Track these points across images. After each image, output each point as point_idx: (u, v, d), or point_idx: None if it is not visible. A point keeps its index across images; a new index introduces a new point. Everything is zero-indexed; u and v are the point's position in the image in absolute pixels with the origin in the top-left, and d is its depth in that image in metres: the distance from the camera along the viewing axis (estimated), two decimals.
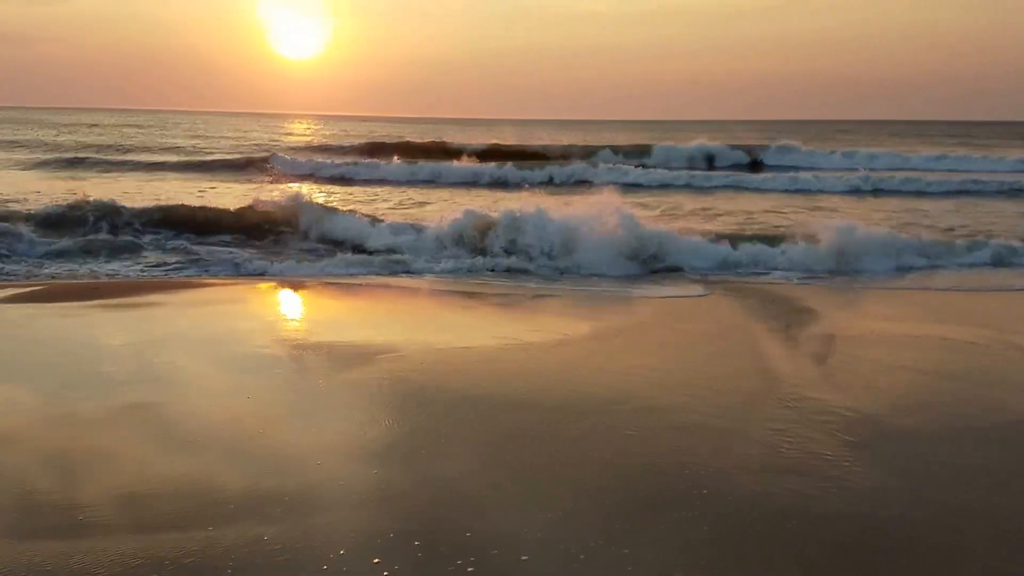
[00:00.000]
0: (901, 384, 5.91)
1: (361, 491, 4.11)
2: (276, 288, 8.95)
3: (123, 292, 8.35)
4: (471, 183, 24.00)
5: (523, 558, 3.52)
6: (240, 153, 32.91)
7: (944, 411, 5.46)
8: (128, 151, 34.60)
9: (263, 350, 6.46)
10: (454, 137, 49.00)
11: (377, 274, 9.98)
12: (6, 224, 11.65)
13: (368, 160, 27.58)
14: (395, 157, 27.08)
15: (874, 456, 4.63)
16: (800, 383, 5.82)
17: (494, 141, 38.69)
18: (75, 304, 7.81)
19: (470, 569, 3.42)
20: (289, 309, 8.41)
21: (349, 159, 28.94)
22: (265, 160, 27.54)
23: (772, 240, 12.02)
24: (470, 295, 8.94)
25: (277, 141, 46.63)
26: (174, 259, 10.81)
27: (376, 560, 3.48)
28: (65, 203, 13.62)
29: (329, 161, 27.92)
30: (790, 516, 3.92)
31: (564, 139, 47.79)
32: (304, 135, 56.64)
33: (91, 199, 13.72)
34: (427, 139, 44.96)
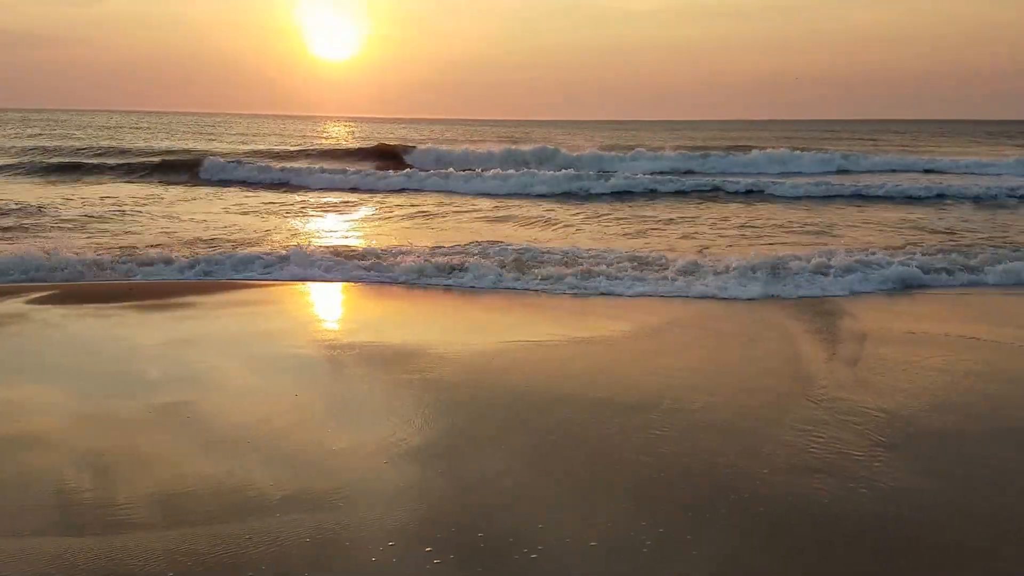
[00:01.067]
0: (932, 385, 5.84)
1: (397, 489, 4.16)
2: (308, 289, 9.01)
3: (156, 294, 8.47)
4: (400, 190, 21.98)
5: (553, 555, 3.55)
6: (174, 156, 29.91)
7: (975, 412, 5.39)
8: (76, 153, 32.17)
9: (298, 350, 6.53)
10: (480, 139, 49.18)
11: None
12: None
13: (305, 166, 25.68)
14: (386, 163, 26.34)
15: (905, 457, 4.60)
16: (830, 384, 5.79)
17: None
18: (109, 305, 7.95)
19: (501, 567, 3.45)
20: (321, 309, 8.49)
21: (295, 164, 26.60)
22: (198, 163, 25.05)
23: None
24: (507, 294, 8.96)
25: (251, 142, 45.70)
26: None
27: (407, 554, 3.53)
28: None
29: (263, 164, 25.34)
30: (820, 517, 3.91)
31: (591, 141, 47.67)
32: (301, 137, 54.87)
33: None
34: (454, 140, 45.29)
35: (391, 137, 56.52)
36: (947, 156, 33.87)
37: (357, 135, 62.04)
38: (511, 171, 23.48)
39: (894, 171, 27.45)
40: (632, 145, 36.74)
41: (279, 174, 23.54)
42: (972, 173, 26.99)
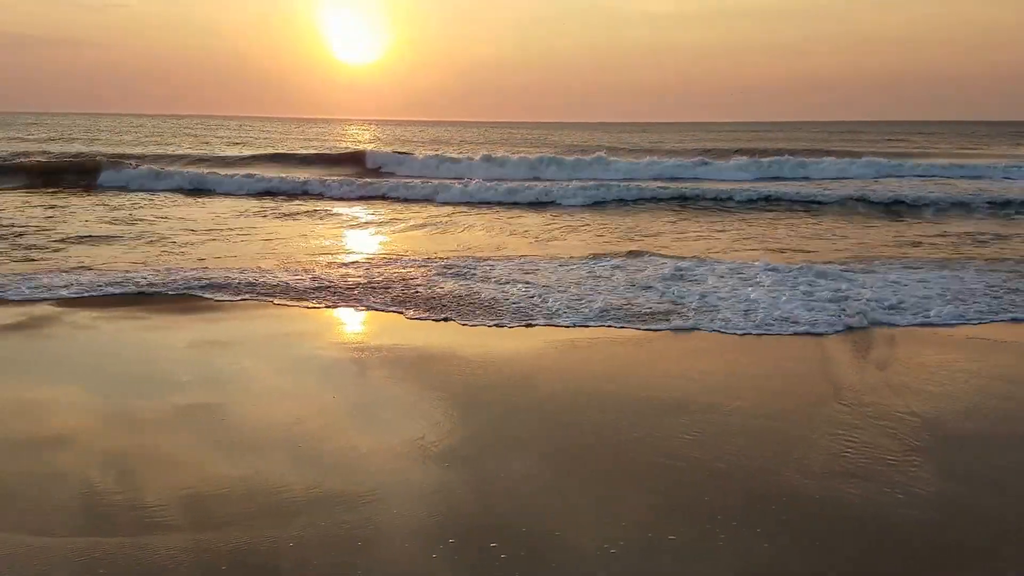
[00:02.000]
0: (963, 388, 5.79)
1: (423, 491, 4.17)
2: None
3: (182, 297, 8.52)
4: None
5: (579, 557, 3.54)
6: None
7: (1010, 416, 5.34)
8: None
9: (323, 352, 6.55)
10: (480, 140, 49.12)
11: None
12: None
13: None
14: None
15: (939, 462, 4.56)
16: (861, 387, 5.75)
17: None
18: (138, 307, 8.01)
19: (526, 567, 3.46)
20: (345, 312, 8.49)
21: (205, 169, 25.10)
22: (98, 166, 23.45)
23: None
24: None
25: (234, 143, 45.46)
26: None
27: (435, 556, 3.54)
28: None
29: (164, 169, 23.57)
30: (853, 522, 3.89)
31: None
32: (291, 139, 54.27)
33: None
34: (469, 142, 45.00)
35: (397, 139, 56.71)
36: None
37: (351, 138, 61.74)
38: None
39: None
40: (649, 147, 36.59)
41: (176, 180, 22.23)
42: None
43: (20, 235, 12.75)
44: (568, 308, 7.93)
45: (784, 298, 8.25)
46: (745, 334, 7.14)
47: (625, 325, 7.39)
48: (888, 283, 9.05)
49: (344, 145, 45.48)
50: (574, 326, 7.37)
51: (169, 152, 33.80)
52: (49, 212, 15.88)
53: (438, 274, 9.56)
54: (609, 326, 7.37)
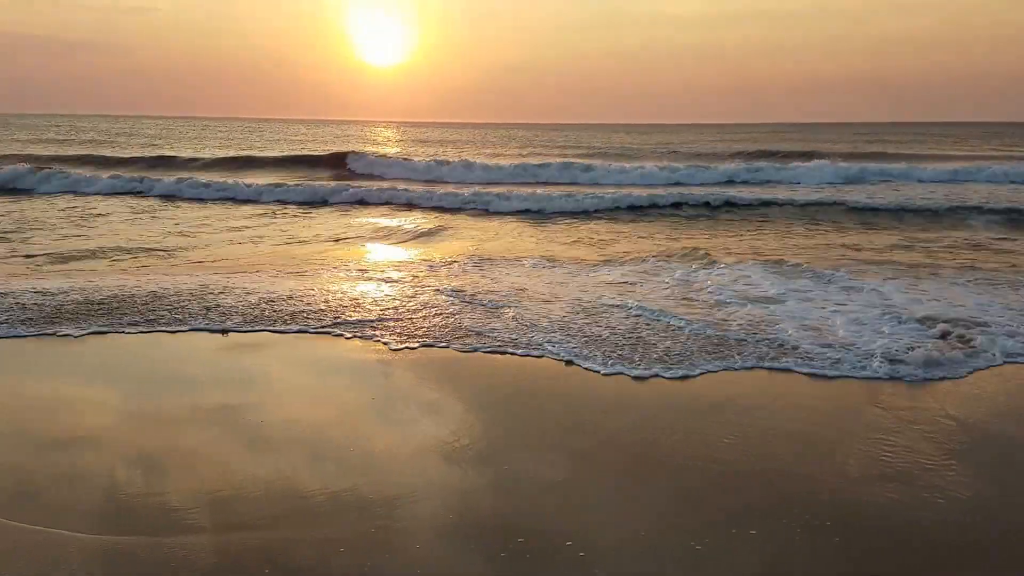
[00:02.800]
0: (998, 391, 5.67)
1: (446, 490, 4.13)
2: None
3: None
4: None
5: (608, 560, 3.49)
6: None
7: None
8: None
9: (347, 353, 6.51)
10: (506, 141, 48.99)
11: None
12: None
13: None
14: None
15: (977, 466, 4.46)
16: (897, 391, 5.65)
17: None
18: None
19: (552, 569, 3.41)
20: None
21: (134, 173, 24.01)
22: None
23: None
24: None
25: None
26: None
27: (458, 558, 3.50)
28: None
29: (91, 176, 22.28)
30: (890, 526, 3.81)
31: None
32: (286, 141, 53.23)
33: None
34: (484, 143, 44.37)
35: (413, 140, 56.59)
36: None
37: (357, 138, 61.52)
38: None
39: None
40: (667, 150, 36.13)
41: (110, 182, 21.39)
42: None
43: None
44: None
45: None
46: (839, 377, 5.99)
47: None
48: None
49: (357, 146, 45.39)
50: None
51: (118, 154, 32.74)
52: None
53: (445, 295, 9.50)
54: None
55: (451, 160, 27.39)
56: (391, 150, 43.19)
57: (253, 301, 8.00)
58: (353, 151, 29.98)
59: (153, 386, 5.70)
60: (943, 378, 5.91)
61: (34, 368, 6.10)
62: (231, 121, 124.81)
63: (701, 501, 4.06)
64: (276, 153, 35.17)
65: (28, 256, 10.92)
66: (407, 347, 6.60)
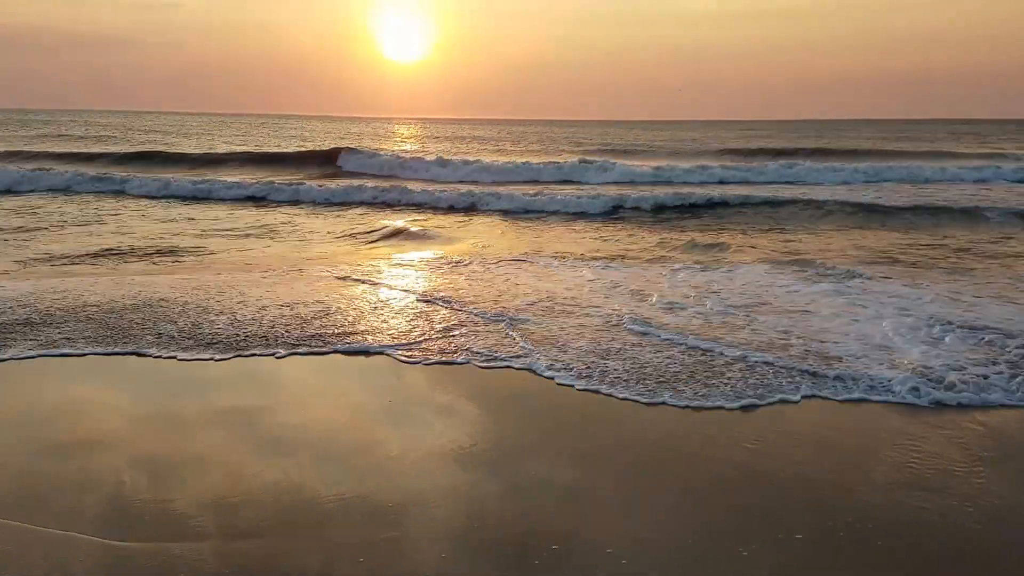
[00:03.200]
0: None
1: (453, 494, 4.06)
2: (371, 293, 8.91)
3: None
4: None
5: (619, 561, 3.40)
6: None
7: None
8: None
9: (360, 358, 6.39)
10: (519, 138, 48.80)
11: None
12: None
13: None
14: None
15: (1007, 473, 4.33)
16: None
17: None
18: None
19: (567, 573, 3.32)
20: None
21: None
22: None
23: None
24: None
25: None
26: None
27: (464, 562, 3.43)
28: None
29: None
30: (917, 533, 3.70)
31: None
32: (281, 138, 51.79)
33: None
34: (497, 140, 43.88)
35: (431, 138, 56.46)
36: None
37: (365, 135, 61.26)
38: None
39: None
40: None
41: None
42: None
43: None
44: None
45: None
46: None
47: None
48: None
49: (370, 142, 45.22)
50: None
51: (86, 150, 32.76)
52: None
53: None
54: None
55: (449, 158, 26.98)
56: (408, 146, 43.18)
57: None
58: (348, 147, 29.44)
59: (159, 390, 5.63)
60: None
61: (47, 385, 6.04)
62: (252, 117, 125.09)
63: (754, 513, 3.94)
64: (271, 149, 35.05)
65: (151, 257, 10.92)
66: (404, 359, 6.48)
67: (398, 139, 54.45)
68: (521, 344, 6.51)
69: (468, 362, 6.12)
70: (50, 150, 32.09)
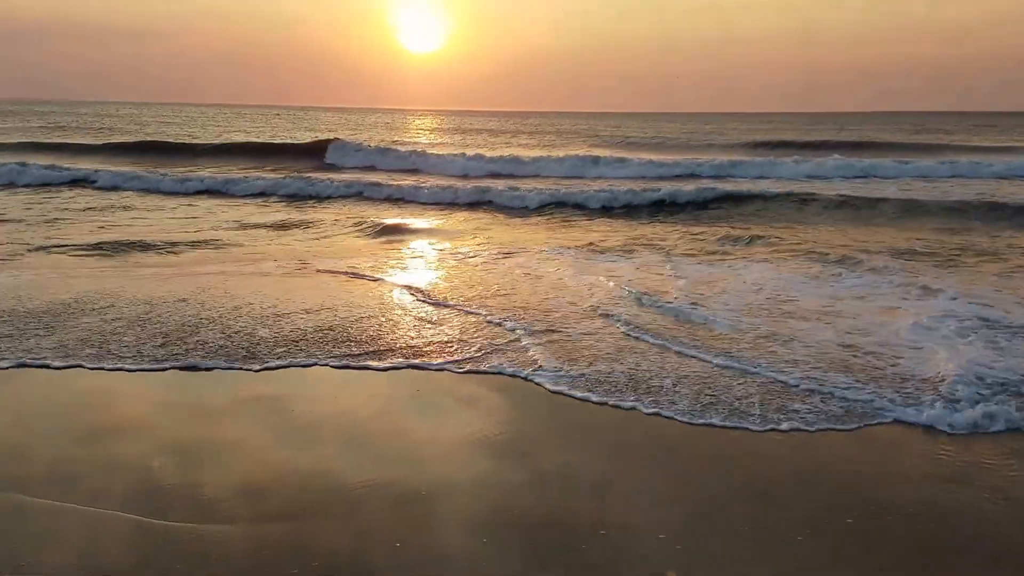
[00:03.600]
0: None
1: (478, 482, 4.06)
2: (395, 286, 8.89)
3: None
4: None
5: (640, 550, 3.39)
6: None
7: None
8: None
9: (385, 347, 6.40)
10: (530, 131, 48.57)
11: None
12: None
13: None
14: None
15: None
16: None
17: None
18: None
19: (583, 560, 3.33)
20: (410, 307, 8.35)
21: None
22: None
23: None
24: None
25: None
26: None
27: (490, 549, 3.44)
28: None
29: None
30: (951, 526, 3.68)
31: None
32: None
33: None
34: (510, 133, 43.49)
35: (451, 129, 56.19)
36: None
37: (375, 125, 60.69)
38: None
39: None
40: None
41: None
42: None
43: None
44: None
45: None
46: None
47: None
48: None
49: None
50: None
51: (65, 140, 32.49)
52: None
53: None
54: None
55: (440, 152, 26.57)
56: (424, 139, 43.10)
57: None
58: (337, 139, 28.58)
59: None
60: None
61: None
62: (267, 108, 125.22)
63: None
64: (257, 140, 34.38)
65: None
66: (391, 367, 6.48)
67: (412, 131, 54.22)
68: (543, 358, 5.97)
69: (498, 372, 5.72)
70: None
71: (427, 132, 52.89)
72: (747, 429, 4.72)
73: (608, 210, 15.72)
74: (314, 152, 26.69)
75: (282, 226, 13.08)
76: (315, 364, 5.80)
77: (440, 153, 26.68)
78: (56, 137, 34.65)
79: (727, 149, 32.49)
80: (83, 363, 5.72)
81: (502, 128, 60.13)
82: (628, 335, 6.52)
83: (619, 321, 6.90)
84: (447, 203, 16.81)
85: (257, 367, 5.70)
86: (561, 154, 26.48)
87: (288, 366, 5.75)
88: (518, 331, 6.64)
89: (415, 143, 36.29)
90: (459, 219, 14.56)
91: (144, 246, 10.66)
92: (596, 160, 24.12)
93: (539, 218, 14.77)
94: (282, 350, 6.06)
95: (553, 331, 6.61)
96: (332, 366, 5.77)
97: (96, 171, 20.14)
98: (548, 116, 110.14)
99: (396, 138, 42.09)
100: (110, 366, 5.68)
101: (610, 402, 5.12)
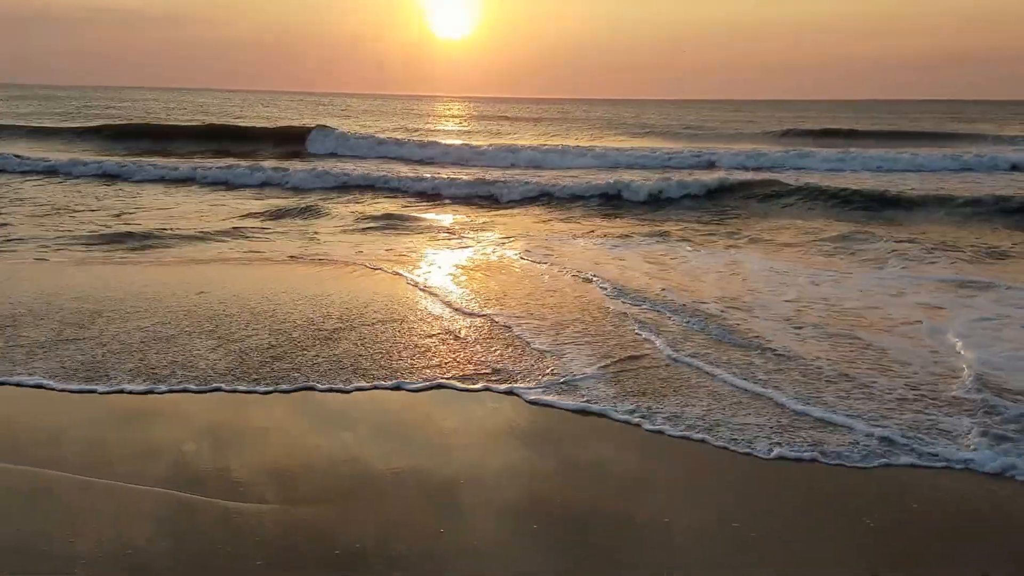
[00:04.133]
0: None
1: (509, 470, 4.08)
2: (429, 268, 8.90)
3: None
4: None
5: (665, 540, 3.40)
6: None
7: None
8: None
9: (415, 328, 6.44)
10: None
11: None
12: None
13: None
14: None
15: None
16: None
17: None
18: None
19: (613, 548, 3.35)
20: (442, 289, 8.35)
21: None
22: None
23: None
24: None
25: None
26: None
27: (520, 537, 3.46)
28: None
29: None
30: (990, 524, 3.65)
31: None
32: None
33: None
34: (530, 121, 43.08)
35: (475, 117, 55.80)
36: None
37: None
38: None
39: None
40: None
41: None
42: None
43: None
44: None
45: None
46: None
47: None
48: None
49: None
50: None
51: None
52: None
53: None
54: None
55: (432, 141, 26.28)
56: (448, 126, 42.87)
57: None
58: (320, 125, 28.15)
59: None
60: None
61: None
62: (290, 95, 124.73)
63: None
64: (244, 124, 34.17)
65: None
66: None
67: (438, 120, 53.98)
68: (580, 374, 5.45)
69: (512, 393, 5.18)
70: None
71: (462, 120, 52.70)
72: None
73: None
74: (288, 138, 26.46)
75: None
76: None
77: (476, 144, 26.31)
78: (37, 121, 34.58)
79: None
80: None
81: (556, 116, 58.95)
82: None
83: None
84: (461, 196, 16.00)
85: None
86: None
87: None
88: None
89: (441, 131, 36.08)
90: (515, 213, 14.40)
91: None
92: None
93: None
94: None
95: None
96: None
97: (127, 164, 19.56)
98: (594, 104, 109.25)
99: (413, 125, 42.04)
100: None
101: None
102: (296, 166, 19.27)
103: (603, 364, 5.57)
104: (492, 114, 62.23)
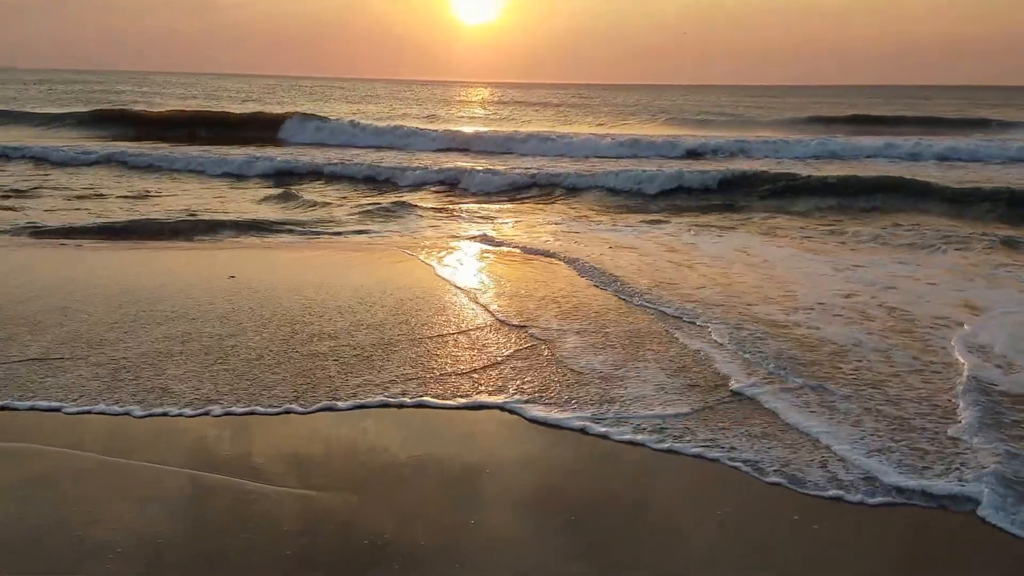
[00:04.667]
0: None
1: (528, 458, 4.10)
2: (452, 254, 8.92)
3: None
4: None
5: (686, 532, 3.44)
6: None
7: None
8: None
9: (434, 316, 6.44)
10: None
11: None
12: None
13: None
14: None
15: None
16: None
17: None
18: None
19: (632, 538, 3.36)
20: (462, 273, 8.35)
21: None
22: None
23: None
24: None
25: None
26: None
27: (540, 526, 3.47)
28: None
29: None
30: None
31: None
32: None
33: None
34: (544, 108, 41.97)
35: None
36: None
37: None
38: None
39: None
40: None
41: None
42: None
43: None
44: None
45: None
46: None
47: None
48: None
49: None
50: None
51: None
52: None
53: None
54: None
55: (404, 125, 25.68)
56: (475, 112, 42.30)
57: None
58: (299, 112, 27.56)
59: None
60: None
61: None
62: (312, 80, 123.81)
63: None
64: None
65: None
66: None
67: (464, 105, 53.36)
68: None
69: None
70: None
71: (489, 106, 52.05)
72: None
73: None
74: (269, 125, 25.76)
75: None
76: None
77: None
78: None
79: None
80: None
81: (577, 102, 57.90)
82: None
83: None
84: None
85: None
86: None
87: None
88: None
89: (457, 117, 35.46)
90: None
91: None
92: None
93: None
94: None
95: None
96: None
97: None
98: (606, 89, 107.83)
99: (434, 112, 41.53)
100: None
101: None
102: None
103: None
104: (556, 101, 60.70)
